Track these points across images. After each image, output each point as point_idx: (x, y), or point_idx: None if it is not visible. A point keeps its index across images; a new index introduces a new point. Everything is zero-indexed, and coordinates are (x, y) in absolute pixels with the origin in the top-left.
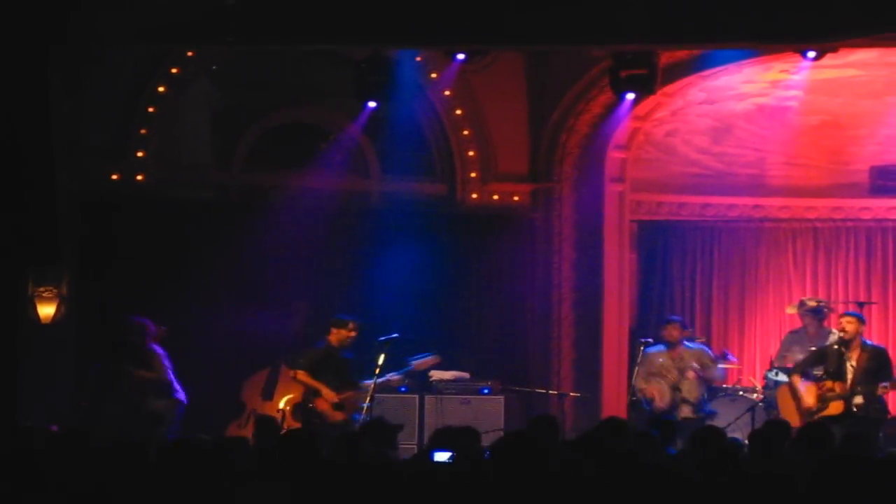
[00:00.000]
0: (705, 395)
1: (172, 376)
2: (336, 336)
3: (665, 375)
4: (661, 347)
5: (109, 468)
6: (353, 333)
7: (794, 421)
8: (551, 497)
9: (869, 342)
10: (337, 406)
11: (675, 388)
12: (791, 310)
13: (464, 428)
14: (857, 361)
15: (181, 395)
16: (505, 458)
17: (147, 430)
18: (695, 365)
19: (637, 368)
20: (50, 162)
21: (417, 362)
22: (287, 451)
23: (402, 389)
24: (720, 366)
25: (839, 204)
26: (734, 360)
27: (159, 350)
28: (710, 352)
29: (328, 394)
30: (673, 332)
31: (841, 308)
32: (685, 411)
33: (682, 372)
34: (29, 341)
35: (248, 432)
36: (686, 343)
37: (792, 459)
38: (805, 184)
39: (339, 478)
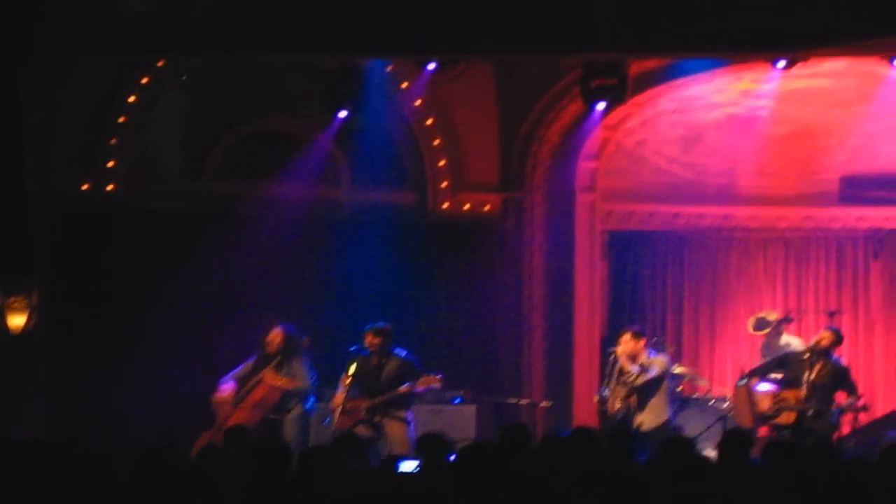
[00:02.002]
0: (669, 407)
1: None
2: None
3: (622, 382)
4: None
5: (77, 481)
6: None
7: (747, 423)
8: None
9: (834, 358)
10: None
11: (627, 398)
12: (752, 330)
13: (432, 436)
14: (817, 375)
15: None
16: (470, 468)
17: None
18: (652, 369)
19: (606, 379)
20: (20, 172)
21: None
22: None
23: None
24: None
25: (809, 213)
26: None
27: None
28: (670, 363)
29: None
30: (624, 346)
31: (811, 317)
32: (647, 423)
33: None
34: None
35: (219, 441)
36: (652, 353)
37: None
38: (775, 193)
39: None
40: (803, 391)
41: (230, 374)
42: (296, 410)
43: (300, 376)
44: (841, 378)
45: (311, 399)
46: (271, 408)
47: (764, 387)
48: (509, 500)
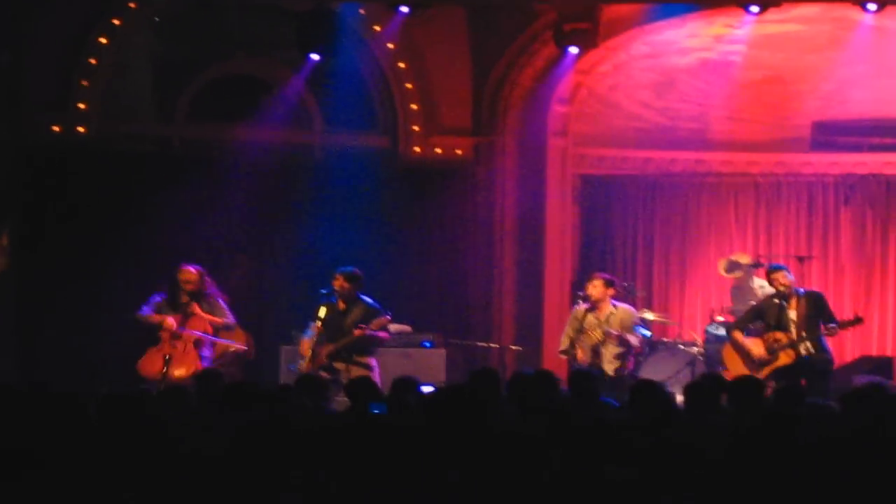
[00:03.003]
0: (628, 359)
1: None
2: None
3: (589, 334)
4: (586, 304)
5: (46, 421)
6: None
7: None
8: (491, 452)
9: (803, 290)
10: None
11: (595, 350)
12: (723, 272)
13: (402, 378)
14: (798, 310)
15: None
16: (443, 412)
17: None
18: (612, 331)
19: (567, 327)
20: None
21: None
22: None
23: None
24: (635, 334)
25: (781, 159)
26: (646, 334)
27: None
28: (635, 315)
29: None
30: (594, 289)
31: (781, 262)
32: (610, 370)
33: (605, 333)
34: None
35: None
36: (614, 302)
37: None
38: (747, 139)
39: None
40: (793, 330)
41: (145, 306)
42: None
43: (222, 313)
44: (820, 302)
45: None
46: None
47: (750, 337)
48: (480, 443)
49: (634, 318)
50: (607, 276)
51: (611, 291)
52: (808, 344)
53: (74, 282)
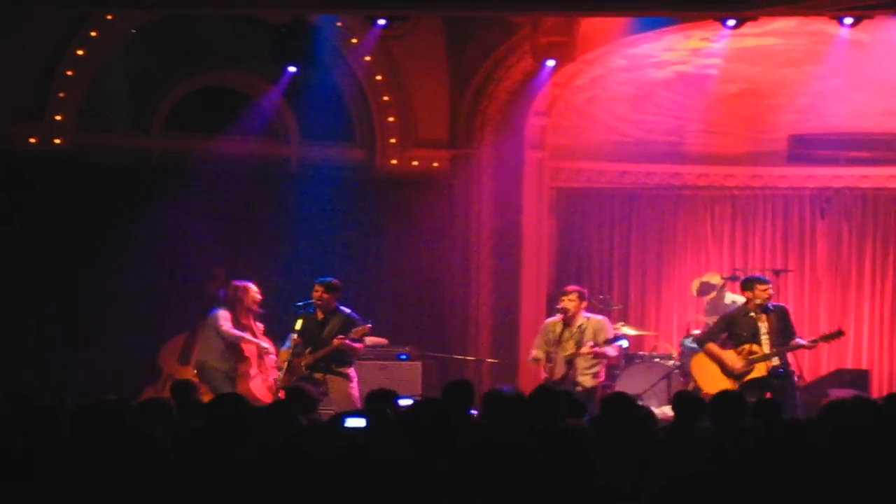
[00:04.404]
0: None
1: None
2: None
3: (564, 346)
4: (558, 317)
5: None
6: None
7: (722, 385)
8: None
9: (771, 304)
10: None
11: (570, 363)
12: (696, 293)
13: (381, 391)
14: (768, 323)
15: None
16: (418, 425)
17: None
18: (590, 343)
19: (538, 338)
20: None
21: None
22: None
23: None
24: (614, 346)
25: (757, 172)
26: (624, 344)
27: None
28: (609, 325)
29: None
30: (570, 303)
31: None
32: (586, 383)
33: (578, 346)
34: None
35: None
36: (586, 314)
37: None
38: (723, 152)
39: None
40: (763, 342)
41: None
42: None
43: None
44: (786, 317)
45: None
46: None
47: (723, 350)
48: (455, 456)
49: (608, 329)
50: (580, 288)
51: (584, 304)
52: (777, 359)
53: (50, 294)
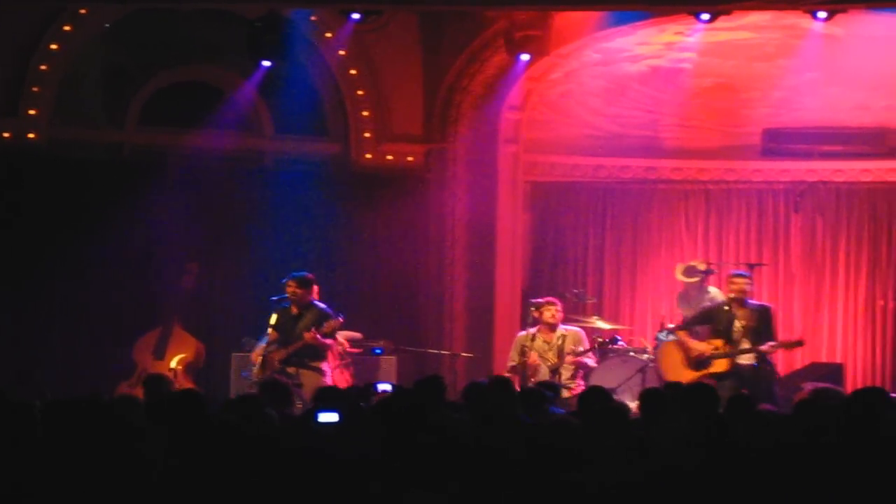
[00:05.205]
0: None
1: None
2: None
3: (545, 357)
4: (532, 330)
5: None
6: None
7: (682, 374)
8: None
9: (752, 302)
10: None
11: (554, 372)
12: (681, 276)
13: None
14: (745, 320)
15: None
16: (388, 418)
17: None
18: (573, 355)
19: (511, 351)
20: None
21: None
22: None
23: None
24: (591, 356)
25: (731, 166)
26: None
27: None
28: (584, 336)
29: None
30: (557, 314)
31: (732, 270)
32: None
33: (561, 356)
34: None
35: (138, 391)
36: (564, 326)
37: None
38: (698, 146)
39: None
40: (734, 338)
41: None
42: None
43: None
44: (766, 317)
45: None
46: None
47: (693, 340)
48: (429, 449)
49: (584, 340)
50: (559, 299)
51: (562, 313)
52: (752, 357)
53: (25, 289)
